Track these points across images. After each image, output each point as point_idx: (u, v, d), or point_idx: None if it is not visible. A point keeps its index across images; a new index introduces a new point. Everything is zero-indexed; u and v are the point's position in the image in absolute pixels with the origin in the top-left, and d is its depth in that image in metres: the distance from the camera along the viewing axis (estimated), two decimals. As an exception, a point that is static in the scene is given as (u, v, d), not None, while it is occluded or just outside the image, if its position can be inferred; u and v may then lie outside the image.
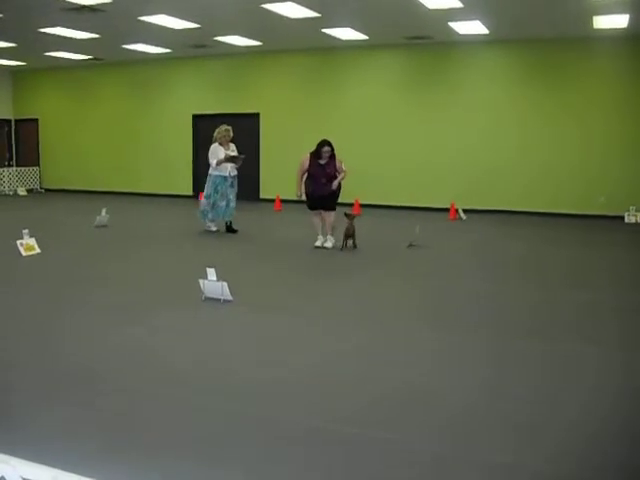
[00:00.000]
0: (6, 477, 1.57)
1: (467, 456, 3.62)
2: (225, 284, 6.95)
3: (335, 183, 10.38)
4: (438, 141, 16.04)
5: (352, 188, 16.42)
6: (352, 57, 16.72)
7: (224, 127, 11.97)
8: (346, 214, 10.35)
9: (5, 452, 1.66)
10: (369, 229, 12.91)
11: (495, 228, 13.39)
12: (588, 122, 14.72)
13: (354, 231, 10.30)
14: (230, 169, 11.85)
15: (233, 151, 11.89)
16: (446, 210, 15.01)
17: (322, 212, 10.65)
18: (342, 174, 10.47)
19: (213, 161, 11.78)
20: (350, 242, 10.37)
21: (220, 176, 11.86)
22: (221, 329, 6.21)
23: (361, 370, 5.01)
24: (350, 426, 3.98)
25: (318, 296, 7.51)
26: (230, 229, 12.13)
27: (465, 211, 14.77)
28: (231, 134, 11.96)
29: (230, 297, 6.95)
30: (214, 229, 12.13)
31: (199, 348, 5.59)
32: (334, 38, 15.07)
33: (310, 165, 10.42)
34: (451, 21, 12.95)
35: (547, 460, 3.55)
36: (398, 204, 16.41)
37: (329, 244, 10.60)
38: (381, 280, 8.40)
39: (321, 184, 10.39)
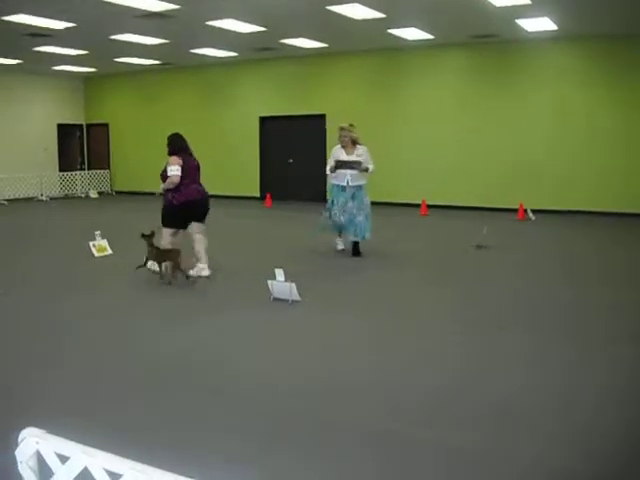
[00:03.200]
0: (89, 467, 1.61)
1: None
2: (294, 285, 6.95)
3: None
4: (506, 140, 15.77)
5: (418, 189, 16.37)
6: (417, 57, 16.60)
7: (340, 125, 10.07)
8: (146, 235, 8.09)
9: (86, 443, 1.71)
10: (437, 230, 12.85)
11: (567, 229, 13.12)
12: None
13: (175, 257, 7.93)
14: (349, 177, 9.71)
15: (359, 155, 9.70)
16: (514, 210, 14.76)
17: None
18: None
19: (327, 167, 10.04)
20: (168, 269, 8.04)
21: (337, 185, 9.91)
22: (287, 329, 6.25)
23: (422, 371, 4.99)
24: (413, 426, 3.98)
25: (385, 298, 7.48)
26: (355, 250, 9.96)
27: (534, 211, 14.49)
28: (350, 133, 9.79)
29: (298, 298, 6.96)
30: (340, 247, 10.25)
31: (263, 347, 5.66)
32: (399, 38, 15.01)
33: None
34: (518, 18, 12.74)
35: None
36: (465, 204, 16.19)
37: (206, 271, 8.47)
38: (449, 282, 8.31)
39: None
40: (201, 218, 8.42)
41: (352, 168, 9.61)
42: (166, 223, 8.37)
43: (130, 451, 1.83)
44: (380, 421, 4.07)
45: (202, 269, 8.38)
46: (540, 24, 13.26)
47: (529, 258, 9.90)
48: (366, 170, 9.68)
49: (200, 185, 8.45)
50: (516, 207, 14.68)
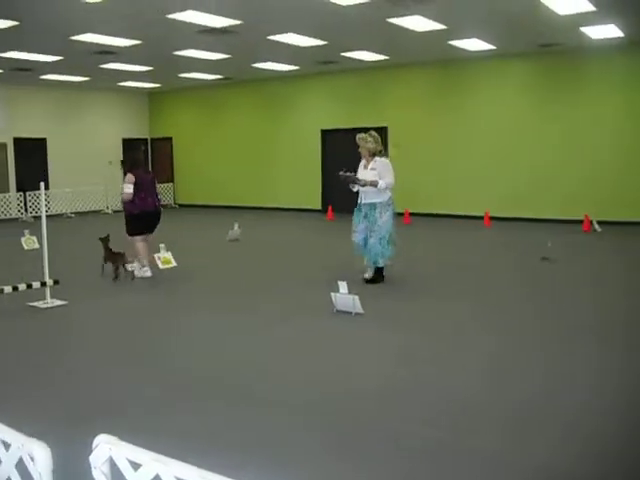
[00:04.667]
0: (160, 475, 1.64)
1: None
2: (357, 297, 6.96)
3: None
4: (571, 151, 15.41)
5: (482, 200, 16.17)
6: (479, 67, 16.44)
7: (357, 135, 8.92)
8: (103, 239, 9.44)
9: (155, 450, 1.73)
10: (500, 242, 12.69)
11: (635, 241, 12.79)
12: None
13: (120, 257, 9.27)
14: (363, 194, 8.73)
15: (373, 169, 8.59)
16: (580, 222, 14.43)
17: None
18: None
19: None
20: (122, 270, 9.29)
21: (357, 202, 8.97)
22: (348, 341, 6.26)
23: (483, 383, 4.94)
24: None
25: (451, 312, 7.41)
26: (373, 276, 8.79)
27: (600, 223, 14.13)
28: (365, 144, 8.69)
29: (361, 310, 6.96)
30: (365, 275, 8.86)
31: (324, 358, 5.69)
32: (461, 49, 14.90)
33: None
34: (583, 26, 12.52)
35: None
36: (529, 216, 15.91)
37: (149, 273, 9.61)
38: (511, 295, 8.20)
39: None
40: (151, 229, 9.68)
41: (354, 182, 8.66)
42: (133, 232, 9.53)
43: (195, 458, 1.85)
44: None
45: (145, 271, 9.54)
46: (606, 31, 13.00)
47: (591, 270, 9.70)
48: (374, 186, 8.46)
49: (156, 199, 9.61)
50: (581, 218, 14.37)
